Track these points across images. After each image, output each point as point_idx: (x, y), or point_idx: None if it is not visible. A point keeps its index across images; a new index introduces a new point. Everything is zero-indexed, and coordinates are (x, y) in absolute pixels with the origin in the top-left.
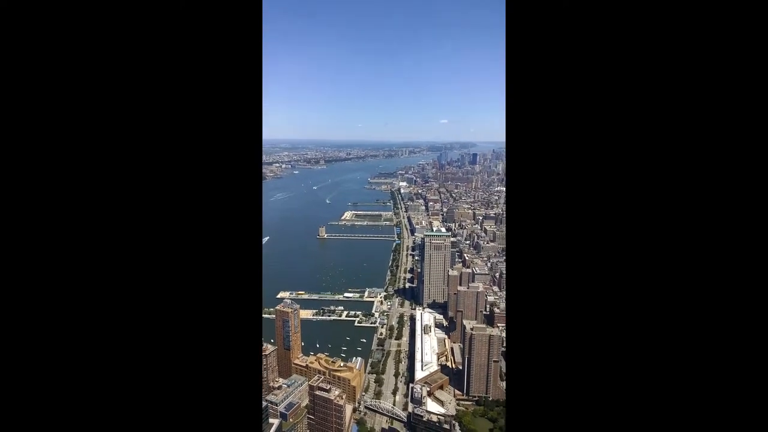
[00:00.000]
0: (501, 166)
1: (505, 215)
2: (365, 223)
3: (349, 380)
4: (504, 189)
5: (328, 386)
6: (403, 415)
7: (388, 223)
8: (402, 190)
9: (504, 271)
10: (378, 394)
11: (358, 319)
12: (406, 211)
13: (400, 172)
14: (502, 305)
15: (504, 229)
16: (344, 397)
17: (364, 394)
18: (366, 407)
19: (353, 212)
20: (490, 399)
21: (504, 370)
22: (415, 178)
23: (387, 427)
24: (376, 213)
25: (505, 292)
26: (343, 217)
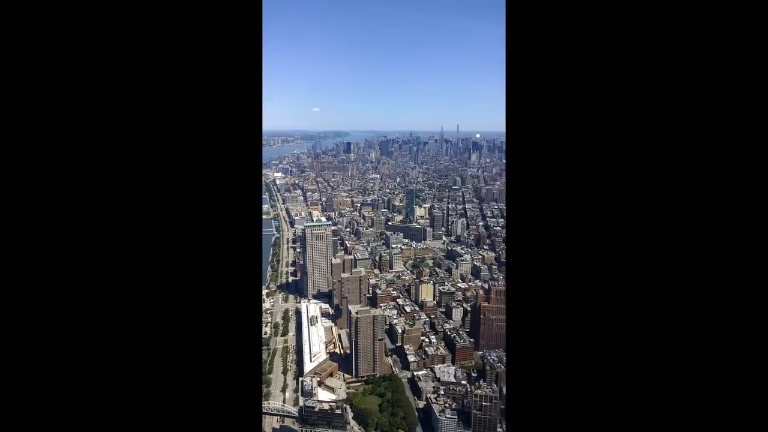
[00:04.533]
0: (374, 155)
1: (382, 201)
2: None
3: None
4: (378, 176)
5: None
6: (294, 410)
7: (265, 216)
8: (278, 181)
9: (383, 254)
10: (266, 396)
11: None
12: (284, 203)
13: (273, 162)
14: (384, 286)
15: (381, 214)
16: None
17: None
18: None
19: None
20: (378, 376)
21: (388, 346)
22: (290, 168)
23: (278, 427)
24: None
25: (384, 274)
26: None
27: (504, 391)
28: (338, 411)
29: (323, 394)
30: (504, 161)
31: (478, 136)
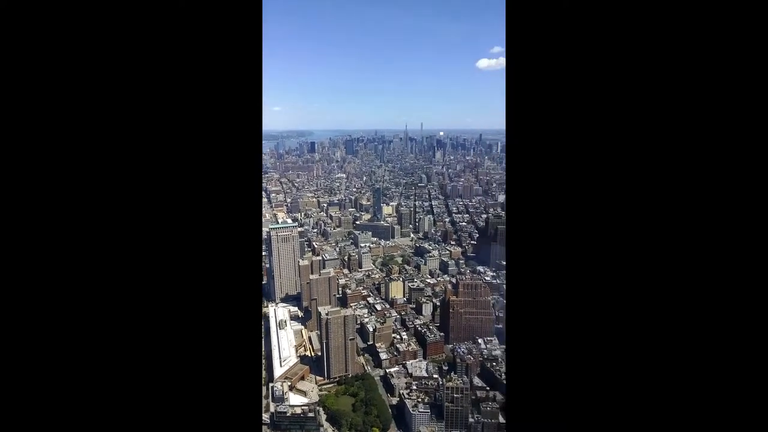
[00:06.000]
0: (339, 154)
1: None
2: None
3: None
4: (344, 175)
5: None
6: (265, 417)
7: None
8: None
9: (352, 254)
10: None
11: None
12: None
13: None
14: (353, 286)
15: (348, 213)
16: None
17: None
18: None
19: None
20: (350, 376)
21: (359, 345)
22: None
23: None
24: None
25: (354, 273)
26: None
27: (474, 382)
28: (311, 414)
29: (295, 398)
30: (467, 158)
31: (441, 134)
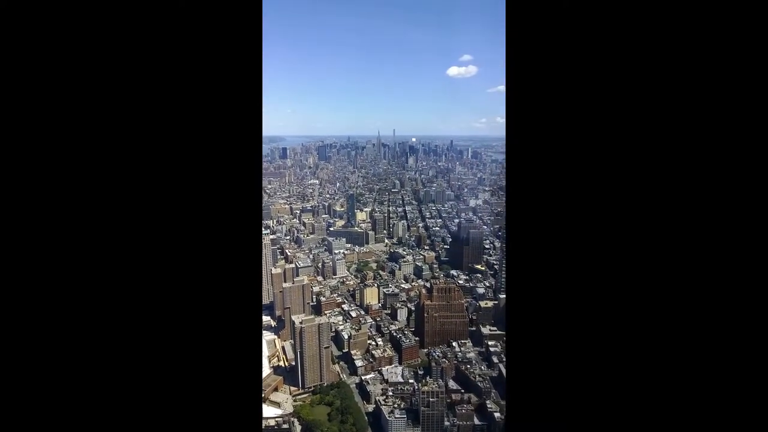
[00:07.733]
0: (312, 160)
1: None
2: None
3: None
4: (317, 182)
5: None
6: None
7: None
8: None
9: (326, 261)
10: None
11: None
12: None
13: None
14: (328, 293)
15: (321, 219)
16: None
17: None
18: None
19: None
20: (325, 385)
21: (335, 353)
22: None
23: None
24: None
25: (328, 280)
26: None
27: (449, 385)
28: (285, 426)
29: (268, 410)
30: (439, 164)
31: (413, 140)
